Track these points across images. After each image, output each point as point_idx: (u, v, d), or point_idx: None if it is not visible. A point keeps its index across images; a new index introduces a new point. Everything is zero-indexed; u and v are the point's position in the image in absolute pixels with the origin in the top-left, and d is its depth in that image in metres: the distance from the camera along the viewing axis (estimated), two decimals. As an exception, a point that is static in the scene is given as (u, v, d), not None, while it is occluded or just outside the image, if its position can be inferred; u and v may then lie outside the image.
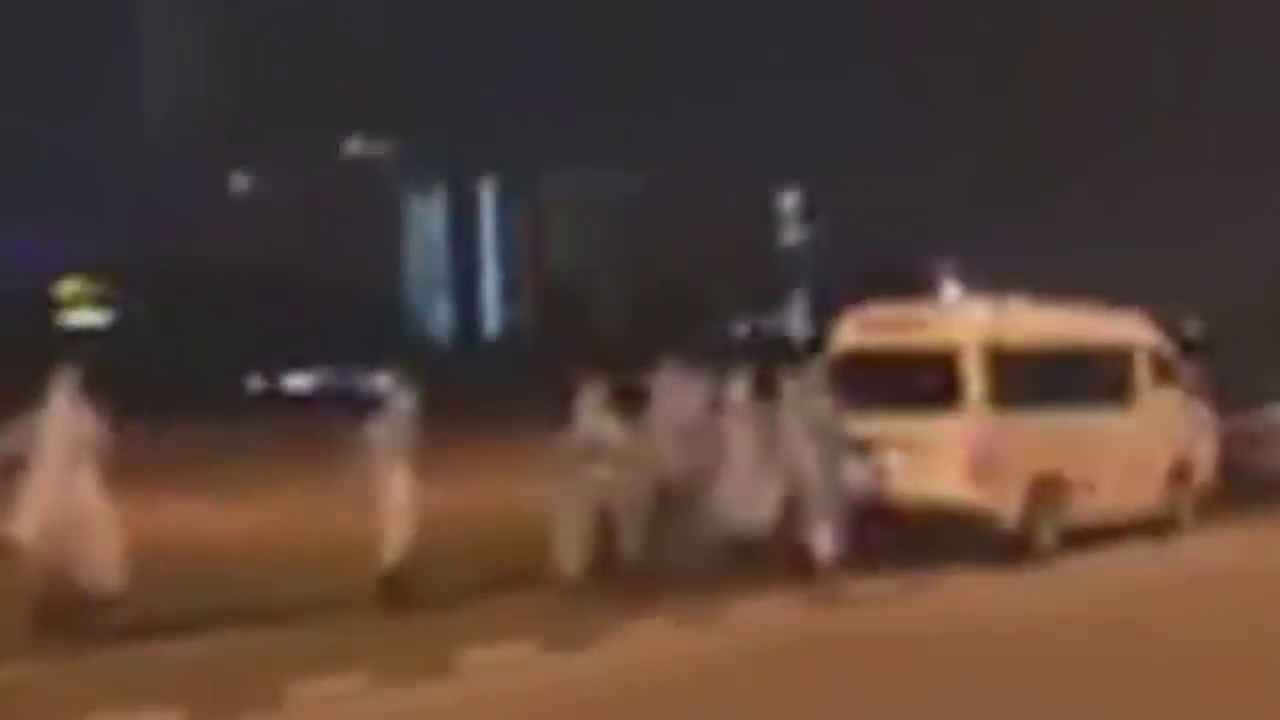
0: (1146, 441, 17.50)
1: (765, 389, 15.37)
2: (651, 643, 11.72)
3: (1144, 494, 17.50)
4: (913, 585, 14.18)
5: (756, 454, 14.85)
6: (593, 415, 14.11)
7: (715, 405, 15.08)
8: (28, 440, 11.41)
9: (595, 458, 13.87)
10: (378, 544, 12.84)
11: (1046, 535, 15.84)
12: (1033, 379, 15.76)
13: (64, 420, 11.44)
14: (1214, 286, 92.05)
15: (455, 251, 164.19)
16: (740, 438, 14.90)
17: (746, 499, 14.58)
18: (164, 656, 10.74)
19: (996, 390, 15.52)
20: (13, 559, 11.36)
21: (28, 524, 11.24)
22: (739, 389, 15.21)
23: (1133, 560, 16.15)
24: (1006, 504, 15.46)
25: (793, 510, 14.61)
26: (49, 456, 11.37)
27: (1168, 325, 22.06)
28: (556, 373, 15.30)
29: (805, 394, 15.39)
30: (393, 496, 12.86)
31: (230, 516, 17.85)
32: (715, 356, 24.02)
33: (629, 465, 13.97)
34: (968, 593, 14.21)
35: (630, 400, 14.65)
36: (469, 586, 13.40)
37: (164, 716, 9.07)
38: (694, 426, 14.50)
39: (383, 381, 13.73)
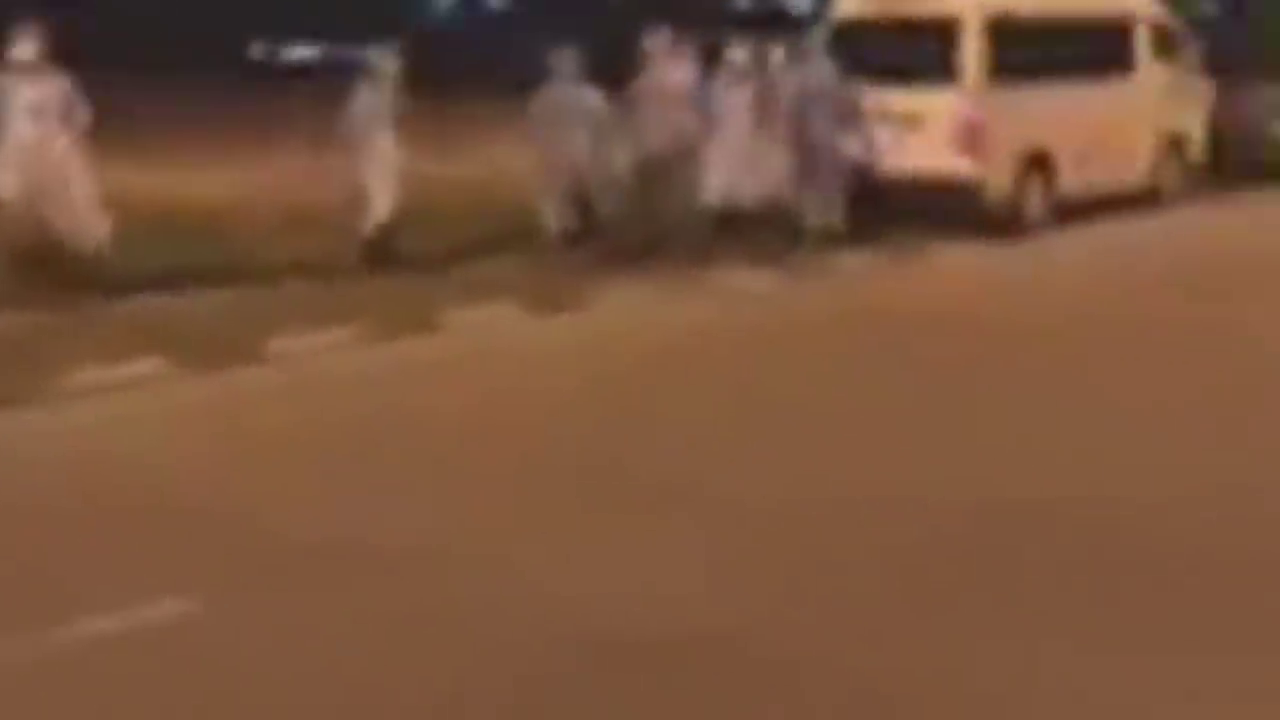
0: (1140, 116, 17.36)
1: (764, 60, 15.22)
2: (631, 307, 11.90)
3: (1136, 168, 17.48)
4: (899, 257, 14.31)
5: (755, 124, 14.81)
6: (566, 80, 14.06)
7: (711, 74, 14.94)
8: None
9: (569, 123, 13.84)
10: (361, 207, 12.91)
11: (1036, 208, 15.88)
12: (1031, 51, 15.52)
13: (28, 79, 11.33)
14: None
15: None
16: (737, 107, 14.81)
17: (743, 169, 14.58)
18: (147, 310, 10.87)
19: (994, 63, 15.32)
20: None
21: (5, 179, 11.25)
22: (737, 57, 15.06)
23: (1119, 233, 16.23)
24: (997, 176, 15.45)
25: (791, 179, 14.70)
26: (16, 115, 11.31)
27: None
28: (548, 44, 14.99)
29: (807, 59, 15.30)
30: (375, 160, 12.88)
31: (220, 178, 17.82)
32: (713, 26, 23.56)
33: (606, 133, 13.97)
34: (953, 265, 14.36)
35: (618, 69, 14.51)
36: (456, 249, 13.51)
37: (147, 367, 9.30)
38: (679, 96, 14.34)
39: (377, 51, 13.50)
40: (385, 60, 13.30)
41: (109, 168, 11.79)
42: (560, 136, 13.81)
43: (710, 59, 15.02)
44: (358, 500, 6.96)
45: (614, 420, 8.46)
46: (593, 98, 13.99)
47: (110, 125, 11.82)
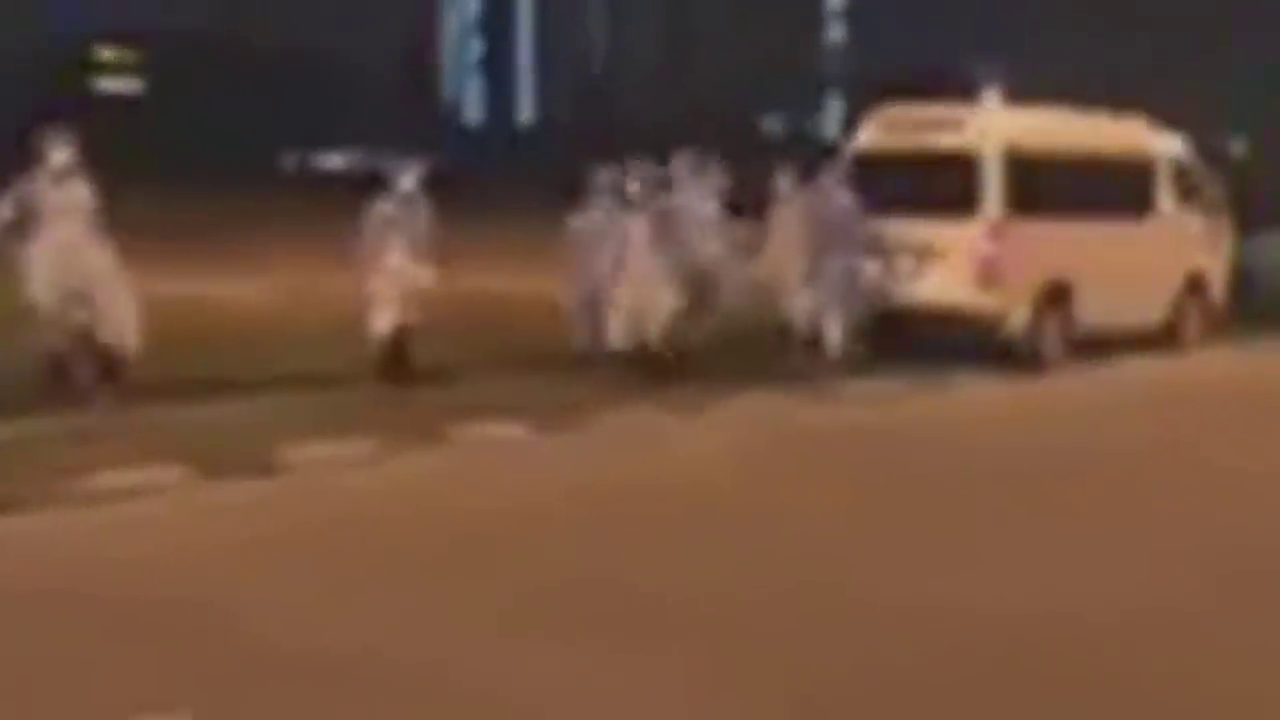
0: (1160, 255, 17.44)
1: (663, 184, 15.42)
2: (644, 430, 11.93)
3: (1155, 307, 17.53)
4: (916, 387, 14.35)
5: (794, 245, 15.07)
6: (605, 202, 14.26)
7: (763, 197, 15.52)
8: (29, 203, 11.53)
9: (601, 244, 14.04)
10: (373, 317, 13.05)
11: (1053, 343, 15.93)
12: (1050, 186, 15.68)
13: (61, 184, 11.55)
14: (1268, 106, 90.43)
15: (492, 38, 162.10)
16: (783, 228, 15.29)
17: (782, 288, 15.06)
18: (170, 419, 11.02)
19: (1013, 196, 15.47)
20: (30, 319, 11.57)
21: (38, 283, 11.42)
22: (784, 182, 15.65)
23: (1138, 371, 16.26)
24: (1016, 311, 15.54)
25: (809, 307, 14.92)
26: (49, 219, 11.51)
27: (1206, 142, 21.80)
28: (580, 162, 15.32)
29: (826, 192, 15.51)
30: (381, 274, 12.96)
31: (248, 287, 18.04)
32: (746, 153, 23.86)
33: (643, 255, 14.12)
34: (969, 396, 14.39)
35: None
36: (475, 364, 13.60)
37: (166, 475, 9.36)
38: (702, 219, 14.55)
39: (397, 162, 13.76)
40: (403, 173, 13.43)
41: (137, 274, 11.95)
42: (593, 260, 13.99)
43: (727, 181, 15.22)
44: (356, 611, 6.95)
45: (608, 540, 8.45)
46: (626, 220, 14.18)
47: (140, 232, 12.01)
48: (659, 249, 14.00)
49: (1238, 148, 63.35)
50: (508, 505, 9.24)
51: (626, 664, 6.37)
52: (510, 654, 6.44)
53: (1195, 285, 18.22)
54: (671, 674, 6.26)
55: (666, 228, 14.18)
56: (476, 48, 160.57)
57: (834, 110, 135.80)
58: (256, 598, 7.15)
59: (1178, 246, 17.81)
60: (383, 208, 13.15)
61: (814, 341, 14.83)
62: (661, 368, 13.64)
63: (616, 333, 13.87)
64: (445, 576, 7.61)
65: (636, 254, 14.01)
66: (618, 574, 7.70)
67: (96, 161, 11.77)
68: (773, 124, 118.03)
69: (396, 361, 12.91)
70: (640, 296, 13.79)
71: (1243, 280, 19.15)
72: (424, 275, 12.99)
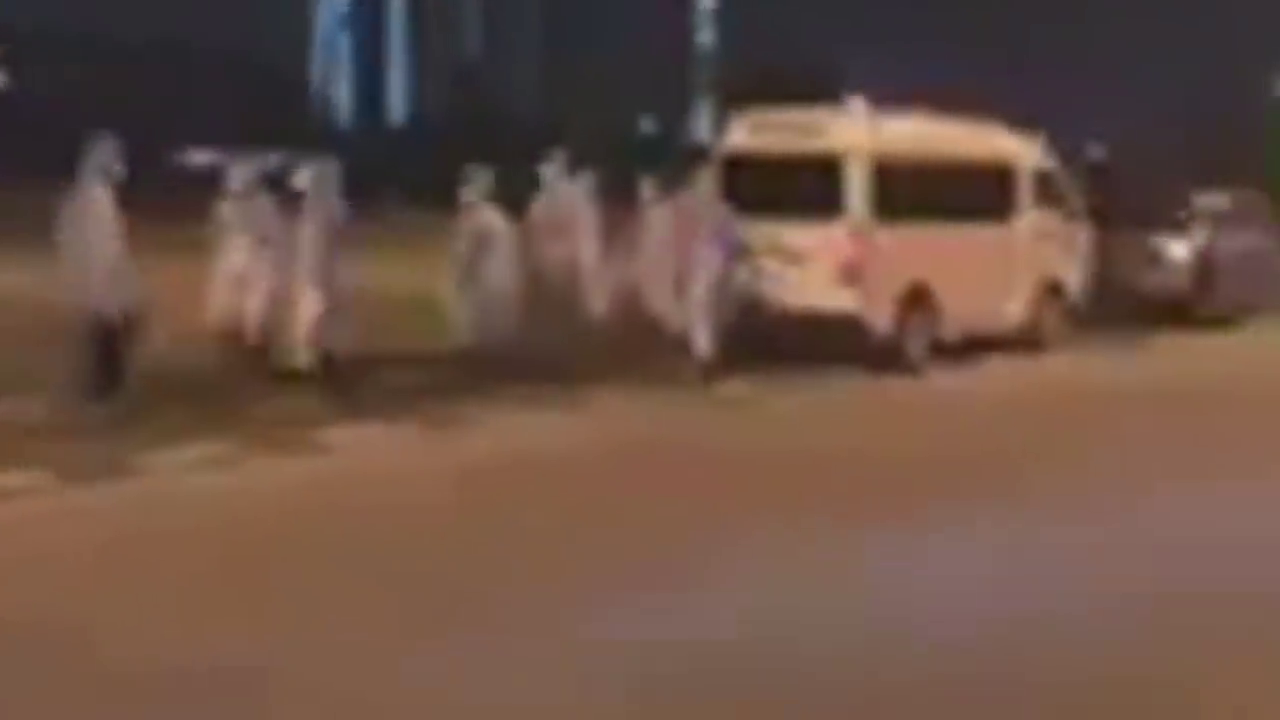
0: (1020, 259, 17.84)
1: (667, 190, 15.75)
2: (517, 429, 11.98)
3: (1014, 311, 17.90)
4: (780, 389, 14.52)
5: (664, 247, 15.28)
6: (481, 205, 14.27)
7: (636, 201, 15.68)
8: None
9: (484, 247, 14.06)
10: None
11: (916, 345, 16.21)
12: (913, 190, 15.94)
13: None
14: (1124, 112, 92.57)
15: (361, 31, 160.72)
16: (651, 234, 15.46)
17: (654, 292, 15.21)
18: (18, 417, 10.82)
19: (876, 200, 15.72)
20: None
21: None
22: (651, 185, 15.78)
23: (997, 373, 16.61)
24: (879, 313, 15.78)
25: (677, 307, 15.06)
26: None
27: (1067, 148, 22.25)
28: (456, 160, 15.35)
29: (696, 195, 15.65)
30: (235, 271, 13.04)
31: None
32: (617, 154, 24.00)
33: (509, 254, 14.17)
34: (838, 397, 14.60)
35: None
36: (348, 363, 13.52)
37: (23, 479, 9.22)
38: (569, 220, 14.63)
39: (271, 161, 13.61)
40: (241, 172, 13.54)
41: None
42: (476, 261, 13.99)
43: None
44: (205, 623, 6.85)
45: (487, 543, 8.48)
46: (499, 222, 14.20)
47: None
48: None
49: (1097, 152, 64.65)
50: (377, 507, 9.25)
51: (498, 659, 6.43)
52: (373, 657, 6.46)
53: (1053, 289, 18.63)
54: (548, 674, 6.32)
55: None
56: (346, 43, 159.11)
57: (705, 113, 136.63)
58: (104, 611, 7.03)
59: (1037, 250, 18.20)
60: (227, 209, 13.17)
61: (683, 344, 14.93)
62: None
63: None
64: (304, 584, 7.59)
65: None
66: (488, 579, 7.75)
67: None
68: (647, 126, 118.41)
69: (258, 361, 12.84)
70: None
71: (1098, 283, 19.58)
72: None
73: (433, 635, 6.79)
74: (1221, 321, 21.35)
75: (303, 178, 13.52)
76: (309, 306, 12.97)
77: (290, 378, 12.67)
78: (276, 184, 13.73)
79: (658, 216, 15.59)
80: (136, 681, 6.08)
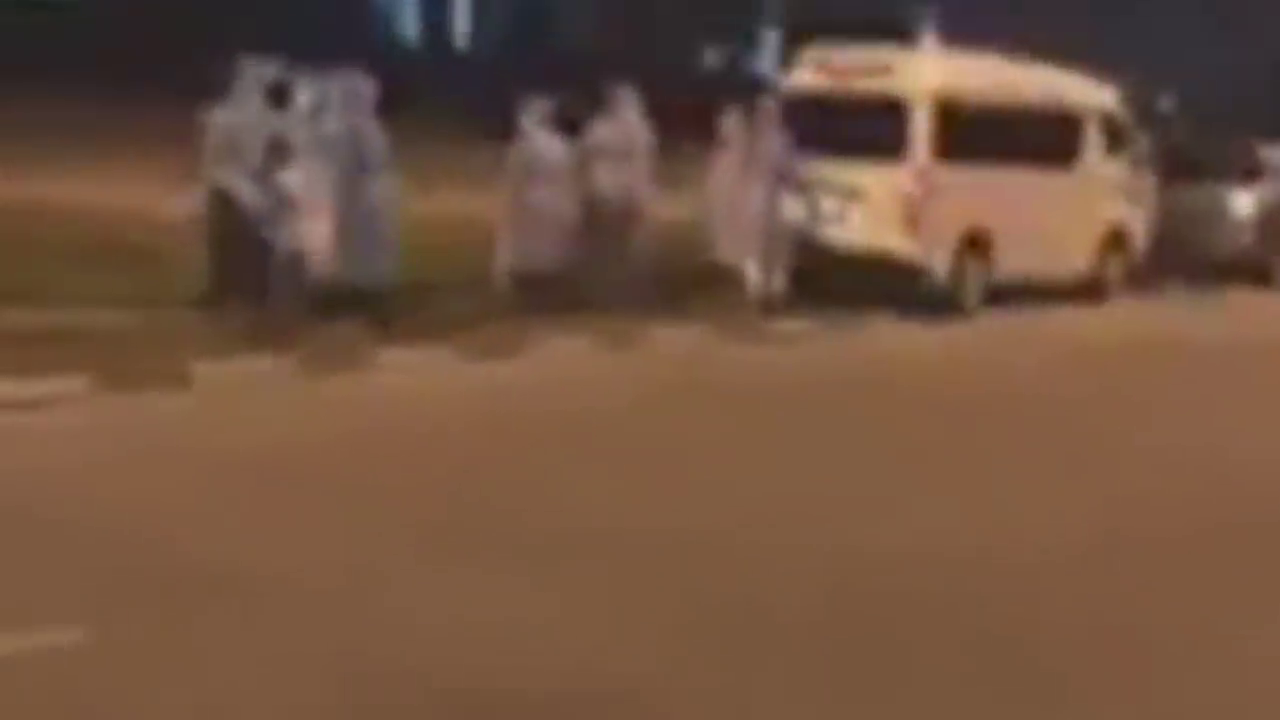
0: (1084, 207, 17.61)
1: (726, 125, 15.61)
2: (569, 359, 11.95)
3: (1076, 258, 17.70)
4: (833, 327, 14.43)
5: (731, 186, 15.24)
6: (537, 132, 14.14)
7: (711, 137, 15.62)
8: None
9: (536, 173, 13.93)
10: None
11: (973, 291, 16.06)
12: (978, 134, 15.69)
13: None
14: (1197, 62, 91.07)
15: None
16: (722, 168, 15.42)
17: (716, 227, 15.24)
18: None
19: (941, 142, 15.53)
20: None
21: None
22: (729, 123, 15.57)
23: (1056, 320, 16.44)
24: (937, 257, 15.63)
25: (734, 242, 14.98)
26: None
27: (1138, 96, 21.82)
28: (514, 87, 15.13)
29: (757, 131, 15.50)
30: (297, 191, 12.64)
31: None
32: (679, 88, 23.75)
33: (563, 183, 14.04)
34: (886, 339, 14.51)
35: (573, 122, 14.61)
36: (401, 288, 13.49)
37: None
38: (629, 148, 14.49)
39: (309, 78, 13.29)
40: (304, 90, 13.07)
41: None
42: (527, 188, 13.81)
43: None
44: (266, 529, 6.97)
45: (525, 470, 8.49)
46: (556, 149, 14.04)
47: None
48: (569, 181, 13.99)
49: (1167, 103, 63.55)
50: (426, 431, 9.28)
51: (521, 591, 6.44)
52: (417, 574, 6.49)
53: (1117, 239, 18.40)
54: (586, 592, 6.33)
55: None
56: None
57: (770, 46, 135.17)
58: (165, 514, 7.14)
59: (1102, 199, 17.97)
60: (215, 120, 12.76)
61: (739, 280, 14.86)
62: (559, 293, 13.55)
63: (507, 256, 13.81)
64: (361, 501, 7.63)
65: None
66: (527, 505, 7.76)
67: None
68: (712, 58, 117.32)
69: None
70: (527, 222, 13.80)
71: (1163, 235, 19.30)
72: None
73: (468, 557, 6.82)
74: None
75: (305, 93, 13.04)
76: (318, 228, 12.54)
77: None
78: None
79: (730, 156, 15.42)
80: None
